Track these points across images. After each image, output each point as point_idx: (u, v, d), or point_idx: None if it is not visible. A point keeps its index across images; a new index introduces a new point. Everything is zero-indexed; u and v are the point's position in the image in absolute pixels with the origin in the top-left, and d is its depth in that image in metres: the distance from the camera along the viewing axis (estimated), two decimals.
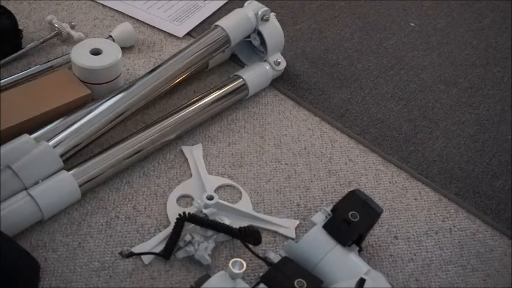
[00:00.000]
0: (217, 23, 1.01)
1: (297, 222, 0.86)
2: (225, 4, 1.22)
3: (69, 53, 0.98)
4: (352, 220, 0.76)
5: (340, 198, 0.80)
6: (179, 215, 0.78)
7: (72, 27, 1.10)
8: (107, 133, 0.90)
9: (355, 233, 0.76)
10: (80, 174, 0.83)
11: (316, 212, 0.83)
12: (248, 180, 0.91)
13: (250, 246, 0.79)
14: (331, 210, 0.78)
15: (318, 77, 1.09)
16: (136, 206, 0.86)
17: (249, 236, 0.78)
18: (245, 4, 1.04)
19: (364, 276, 0.70)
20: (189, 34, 1.15)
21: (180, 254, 0.79)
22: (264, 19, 1.02)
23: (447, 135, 1.02)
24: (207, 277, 0.70)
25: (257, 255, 0.78)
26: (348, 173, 0.94)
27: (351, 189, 0.90)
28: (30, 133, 0.86)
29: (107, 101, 0.90)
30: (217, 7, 1.21)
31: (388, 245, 0.85)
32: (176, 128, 0.93)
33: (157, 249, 0.80)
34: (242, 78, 1.01)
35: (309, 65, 1.12)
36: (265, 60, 1.04)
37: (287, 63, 1.06)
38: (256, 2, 1.03)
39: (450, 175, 0.95)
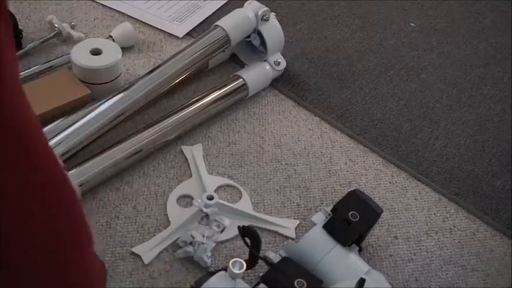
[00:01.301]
0: (217, 23, 1.01)
1: (297, 222, 0.86)
2: (225, 4, 1.22)
3: (69, 53, 0.98)
4: (352, 220, 0.76)
5: (340, 198, 0.80)
6: (241, 227, 0.73)
7: (72, 27, 1.10)
8: (107, 133, 0.90)
9: (355, 233, 0.76)
10: (80, 174, 0.83)
11: (316, 212, 0.83)
12: (248, 180, 0.91)
13: (250, 246, 0.78)
14: (331, 210, 0.78)
15: (318, 77, 1.09)
16: (136, 206, 0.86)
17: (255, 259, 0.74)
18: (245, 4, 1.04)
19: (364, 276, 0.70)
20: (189, 34, 1.15)
21: (180, 254, 0.79)
22: (264, 19, 1.02)
23: (447, 135, 1.02)
24: (207, 277, 0.70)
25: (257, 255, 0.77)
26: (348, 173, 0.94)
27: (351, 189, 0.90)
28: None
29: (107, 101, 0.90)
30: (217, 7, 1.21)
31: (388, 245, 0.85)
32: (176, 128, 0.93)
33: (158, 249, 0.80)
34: (242, 78, 1.01)
35: (309, 65, 1.12)
36: (265, 60, 1.04)
37: (287, 63, 1.06)
38: (256, 2, 1.03)
39: (450, 175, 0.95)
